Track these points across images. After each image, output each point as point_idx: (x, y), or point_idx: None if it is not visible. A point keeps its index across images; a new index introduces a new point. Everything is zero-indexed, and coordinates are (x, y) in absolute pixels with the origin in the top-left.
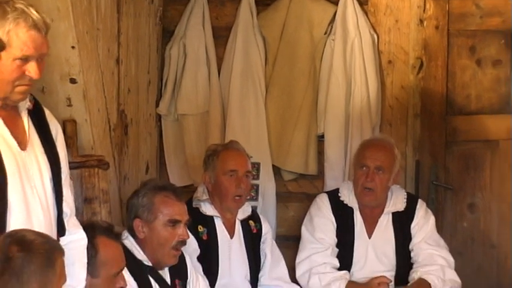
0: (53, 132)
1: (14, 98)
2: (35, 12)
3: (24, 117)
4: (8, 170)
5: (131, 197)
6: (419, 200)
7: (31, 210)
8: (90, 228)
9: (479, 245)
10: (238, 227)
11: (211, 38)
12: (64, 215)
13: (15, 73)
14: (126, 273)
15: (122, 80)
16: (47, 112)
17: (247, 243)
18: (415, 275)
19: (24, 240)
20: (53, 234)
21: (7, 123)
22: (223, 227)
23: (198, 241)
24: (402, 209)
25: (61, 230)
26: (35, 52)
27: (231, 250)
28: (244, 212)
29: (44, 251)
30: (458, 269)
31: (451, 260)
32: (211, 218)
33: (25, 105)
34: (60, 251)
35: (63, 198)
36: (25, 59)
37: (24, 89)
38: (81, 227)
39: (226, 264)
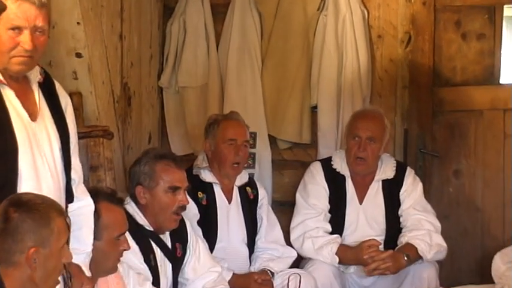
0: (63, 104)
1: (12, 68)
2: None
3: (35, 90)
4: (19, 139)
5: (133, 165)
6: (408, 168)
7: (41, 177)
8: (93, 194)
9: (464, 208)
10: (236, 193)
11: (210, 14)
12: (72, 182)
13: (8, 43)
14: (128, 237)
15: (125, 54)
16: (57, 85)
17: (245, 208)
18: (403, 239)
19: (20, 201)
20: (62, 201)
21: (19, 96)
22: (222, 193)
23: (197, 206)
24: (392, 176)
25: (69, 196)
26: (26, 23)
27: (229, 215)
28: (241, 178)
29: (38, 211)
30: (444, 232)
31: (438, 225)
32: (210, 185)
33: (36, 78)
34: (58, 211)
35: (72, 166)
36: (17, 30)
37: (21, 60)
38: (88, 194)
39: (225, 228)
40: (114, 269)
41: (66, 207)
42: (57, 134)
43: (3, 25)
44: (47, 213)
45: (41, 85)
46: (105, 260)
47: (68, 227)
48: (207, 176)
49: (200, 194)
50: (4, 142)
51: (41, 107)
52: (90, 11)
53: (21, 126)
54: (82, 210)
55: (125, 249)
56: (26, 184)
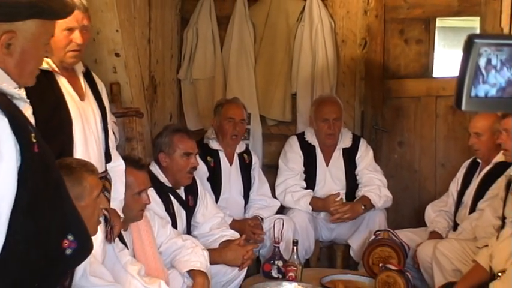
0: (99, 89)
1: (67, 61)
2: None
3: (80, 78)
4: (73, 115)
5: (156, 137)
6: (361, 139)
7: (88, 144)
8: (123, 160)
9: (405, 170)
10: (236, 158)
11: (216, 24)
12: (109, 147)
13: (64, 41)
14: (152, 192)
15: (152, 54)
16: (94, 75)
17: (242, 169)
18: (359, 193)
19: (61, 166)
20: (102, 161)
21: (70, 82)
22: (225, 158)
23: (207, 167)
24: (349, 145)
25: (108, 158)
26: (77, 24)
27: (231, 174)
28: (240, 147)
29: (72, 173)
30: (390, 188)
31: (385, 181)
32: (216, 151)
33: (80, 69)
34: (89, 171)
35: (108, 134)
36: (70, 30)
37: (74, 54)
38: (120, 157)
39: (227, 184)
40: (138, 218)
41: (105, 166)
42: (98, 111)
43: (59, 27)
44: (79, 173)
45: (84, 75)
46: (129, 211)
47: (109, 182)
48: (214, 144)
49: (209, 158)
50: (62, 118)
51: (86, 91)
52: (126, 21)
53: (74, 105)
54: (115, 168)
55: (147, 203)
56: (78, 150)
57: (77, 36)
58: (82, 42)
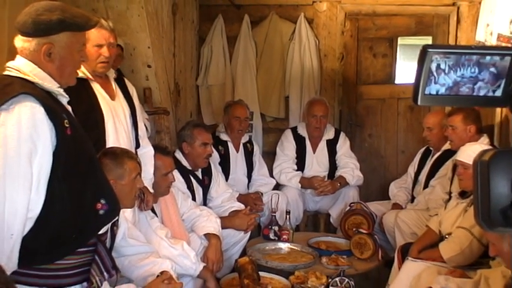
0: (130, 91)
1: (98, 70)
2: (103, 20)
3: (112, 82)
4: (105, 112)
5: (180, 130)
6: (341, 132)
7: (119, 134)
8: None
9: (374, 156)
10: (241, 147)
11: (226, 42)
12: (139, 136)
13: (95, 55)
14: (176, 173)
15: (176, 65)
16: (126, 80)
17: (246, 156)
18: (337, 173)
19: (107, 152)
20: (132, 148)
21: (102, 86)
22: (233, 147)
23: (218, 154)
24: (332, 137)
25: (137, 145)
26: (104, 41)
27: (237, 160)
28: (244, 138)
29: (115, 158)
30: (362, 170)
31: (358, 165)
32: (226, 142)
33: (112, 75)
34: (129, 157)
35: (138, 126)
36: (99, 46)
37: (103, 65)
38: (150, 144)
39: (234, 167)
40: (166, 193)
41: (136, 151)
42: (128, 107)
43: (91, 44)
44: (122, 158)
45: (116, 80)
46: (158, 187)
47: (140, 165)
48: (224, 136)
49: (220, 147)
50: (96, 115)
51: (117, 92)
52: (156, 40)
53: (106, 104)
54: (146, 154)
55: (172, 182)
56: (111, 139)
57: (104, 51)
58: (109, 55)
